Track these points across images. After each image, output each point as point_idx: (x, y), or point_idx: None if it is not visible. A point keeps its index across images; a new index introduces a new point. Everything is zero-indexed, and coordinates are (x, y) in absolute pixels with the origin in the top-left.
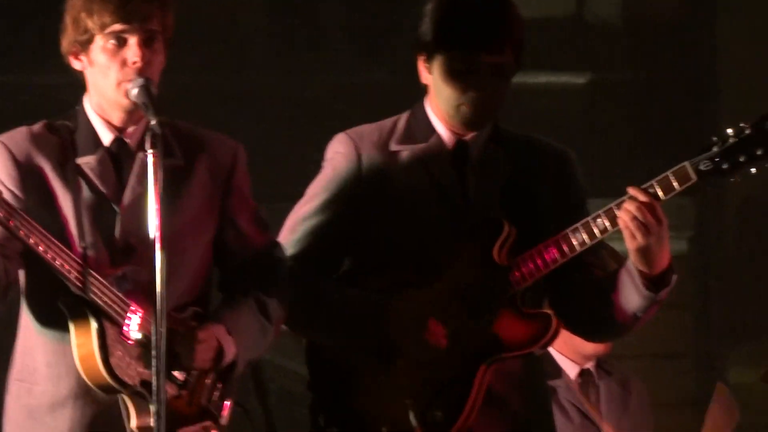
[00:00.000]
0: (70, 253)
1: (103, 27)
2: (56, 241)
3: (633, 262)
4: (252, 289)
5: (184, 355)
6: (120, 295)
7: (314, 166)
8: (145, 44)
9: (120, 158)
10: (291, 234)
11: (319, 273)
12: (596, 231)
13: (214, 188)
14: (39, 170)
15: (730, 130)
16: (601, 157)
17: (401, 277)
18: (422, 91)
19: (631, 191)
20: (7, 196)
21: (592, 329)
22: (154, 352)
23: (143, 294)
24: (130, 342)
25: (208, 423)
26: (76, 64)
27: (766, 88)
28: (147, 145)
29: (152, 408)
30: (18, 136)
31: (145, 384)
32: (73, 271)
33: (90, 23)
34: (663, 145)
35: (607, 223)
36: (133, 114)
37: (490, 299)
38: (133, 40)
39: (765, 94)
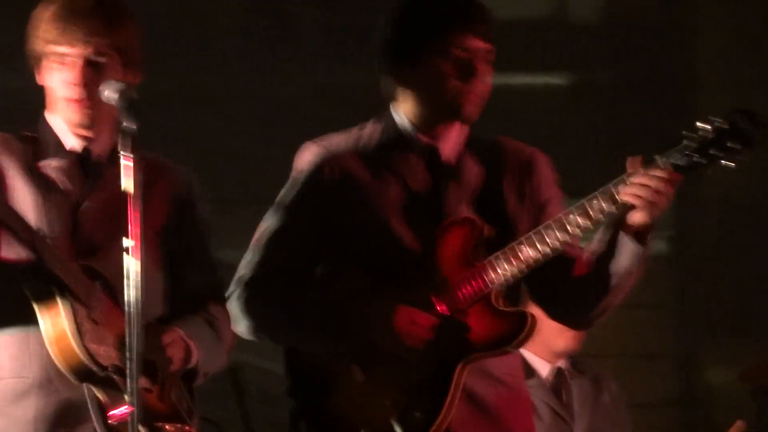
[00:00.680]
0: (31, 226)
1: (47, 48)
2: (8, 206)
3: (634, 222)
4: (201, 311)
5: (156, 355)
6: (85, 277)
7: (291, 168)
8: (89, 65)
9: (84, 163)
10: (260, 249)
11: (293, 281)
12: (592, 213)
13: (170, 215)
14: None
15: (700, 124)
16: (581, 156)
17: (375, 282)
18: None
19: (636, 168)
20: None
21: (579, 315)
22: (128, 354)
23: (109, 291)
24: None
25: (187, 428)
26: (38, 78)
27: (745, 87)
28: (120, 147)
29: (126, 398)
30: None
31: (118, 369)
32: (27, 237)
33: (37, 45)
34: (643, 144)
35: (580, 220)
36: (94, 125)
37: (467, 298)
38: (76, 62)
39: (743, 93)
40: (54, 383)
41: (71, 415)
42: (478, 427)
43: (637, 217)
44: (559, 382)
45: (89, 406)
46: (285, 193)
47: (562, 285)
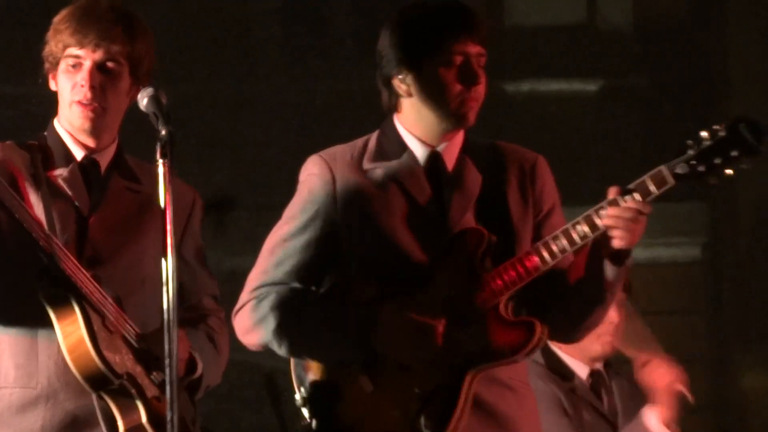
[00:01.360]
0: (47, 231)
1: (63, 50)
2: (33, 215)
3: (612, 246)
4: (201, 324)
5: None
6: (98, 286)
7: None
8: (99, 69)
9: (90, 175)
10: (271, 255)
11: (302, 292)
12: (576, 237)
13: (176, 227)
14: (12, 174)
15: (704, 133)
16: (612, 162)
17: (384, 291)
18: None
19: (615, 195)
20: None
21: (565, 329)
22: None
23: (116, 300)
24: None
25: None
26: (52, 85)
27: None
28: (157, 154)
29: (140, 406)
30: None
31: (130, 378)
32: (45, 241)
33: (54, 47)
34: (675, 149)
35: (587, 229)
36: (98, 133)
37: (475, 308)
38: (87, 64)
39: None
40: (60, 395)
41: (78, 427)
42: (486, 430)
43: (615, 243)
44: (598, 384)
45: (99, 416)
46: (292, 205)
47: (552, 301)
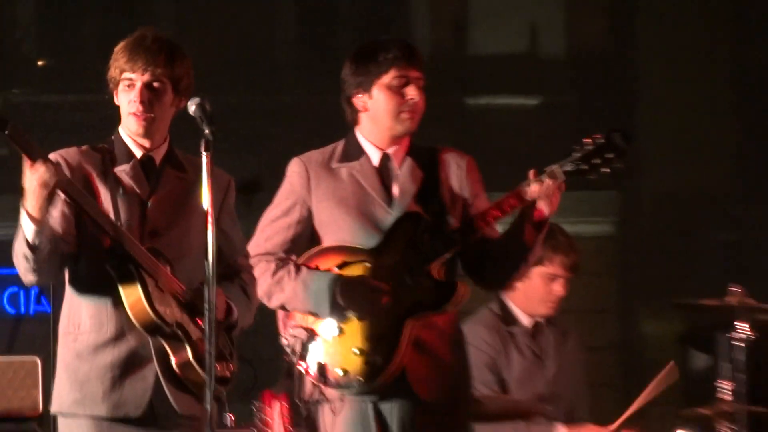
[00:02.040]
0: (111, 218)
1: (120, 74)
2: (99, 207)
3: (541, 211)
4: (236, 279)
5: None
6: (152, 256)
7: None
8: (147, 88)
9: (148, 169)
10: (263, 233)
11: (285, 261)
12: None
13: (216, 202)
14: (87, 175)
15: (587, 140)
16: (548, 161)
17: (345, 260)
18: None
19: (534, 176)
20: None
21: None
22: (207, 313)
23: (169, 265)
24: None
25: (231, 365)
26: (115, 100)
27: (675, 107)
28: (201, 149)
29: (188, 347)
30: (71, 151)
31: (179, 325)
32: (111, 229)
33: (114, 72)
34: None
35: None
36: (150, 135)
37: (415, 271)
38: (138, 84)
39: (674, 111)
40: (124, 338)
41: (138, 361)
42: (423, 363)
43: (538, 211)
44: (537, 332)
45: (152, 353)
46: (279, 194)
47: (485, 260)
